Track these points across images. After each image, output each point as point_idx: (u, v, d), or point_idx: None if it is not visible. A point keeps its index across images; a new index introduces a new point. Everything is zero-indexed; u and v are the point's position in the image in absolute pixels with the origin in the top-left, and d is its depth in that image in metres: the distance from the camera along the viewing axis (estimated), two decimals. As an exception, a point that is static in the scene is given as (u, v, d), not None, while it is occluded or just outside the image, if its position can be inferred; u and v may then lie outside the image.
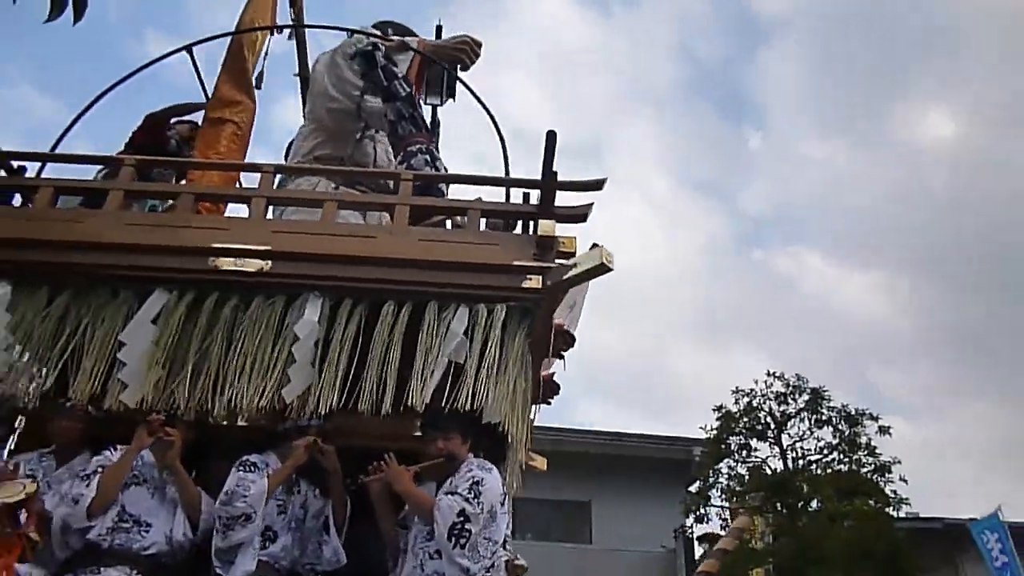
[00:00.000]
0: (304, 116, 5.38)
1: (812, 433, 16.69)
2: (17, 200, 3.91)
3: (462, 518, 3.02)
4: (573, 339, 4.22)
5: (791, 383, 16.96)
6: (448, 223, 4.18)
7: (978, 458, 38.70)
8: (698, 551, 16.34)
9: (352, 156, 4.96)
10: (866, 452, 16.04)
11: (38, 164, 4.18)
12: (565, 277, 3.48)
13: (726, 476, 17.18)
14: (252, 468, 3.29)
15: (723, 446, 16.99)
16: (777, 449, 16.83)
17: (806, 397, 16.75)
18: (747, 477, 16.68)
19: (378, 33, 5.15)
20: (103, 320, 3.45)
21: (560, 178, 3.60)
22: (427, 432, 3.40)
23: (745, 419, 17.04)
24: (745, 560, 14.72)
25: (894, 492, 15.67)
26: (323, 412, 3.26)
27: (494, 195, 4.10)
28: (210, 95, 5.33)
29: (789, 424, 16.85)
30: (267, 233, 3.58)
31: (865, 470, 15.88)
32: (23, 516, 2.88)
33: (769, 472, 16.47)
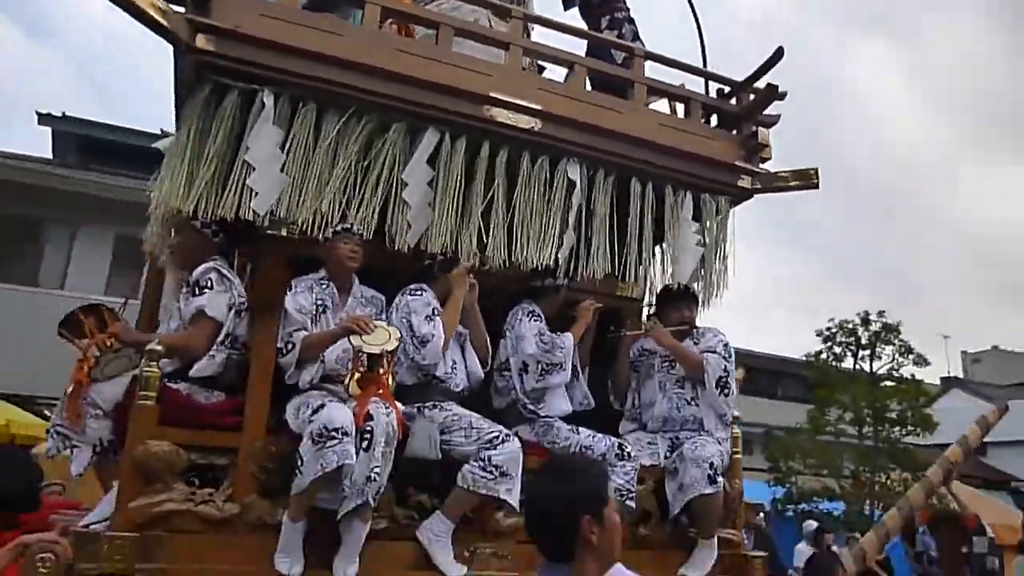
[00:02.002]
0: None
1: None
2: None
3: (726, 373, 3.67)
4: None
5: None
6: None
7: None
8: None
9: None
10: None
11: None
12: (775, 184, 4.00)
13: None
14: (539, 318, 3.53)
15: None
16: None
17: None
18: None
19: None
20: (377, 152, 3.33)
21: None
22: (674, 303, 3.83)
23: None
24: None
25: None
26: (594, 276, 3.55)
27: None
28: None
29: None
30: (534, 90, 3.59)
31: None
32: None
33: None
